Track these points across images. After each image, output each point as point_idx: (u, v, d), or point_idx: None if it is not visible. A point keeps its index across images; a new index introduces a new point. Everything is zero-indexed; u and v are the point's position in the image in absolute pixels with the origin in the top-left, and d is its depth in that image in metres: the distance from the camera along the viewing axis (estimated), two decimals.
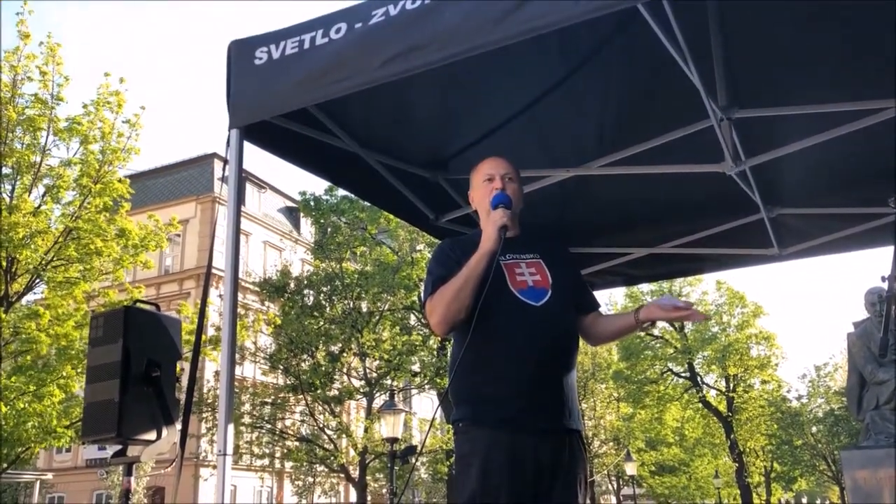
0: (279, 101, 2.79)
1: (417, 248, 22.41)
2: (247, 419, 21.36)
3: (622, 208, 4.43)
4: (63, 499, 32.29)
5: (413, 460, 19.82)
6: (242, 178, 2.88)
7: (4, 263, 12.88)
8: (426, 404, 34.26)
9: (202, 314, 2.69)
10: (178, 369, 2.90)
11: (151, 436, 2.70)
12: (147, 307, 2.91)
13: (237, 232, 2.82)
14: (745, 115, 3.47)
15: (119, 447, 2.76)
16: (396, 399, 15.61)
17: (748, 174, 3.88)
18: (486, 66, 3.23)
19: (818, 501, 69.26)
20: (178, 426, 2.68)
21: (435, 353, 21.41)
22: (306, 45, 2.75)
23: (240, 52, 2.91)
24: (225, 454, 2.55)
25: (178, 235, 32.03)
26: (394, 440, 12.70)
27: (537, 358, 2.50)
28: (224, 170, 2.84)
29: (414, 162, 3.83)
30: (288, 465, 25.49)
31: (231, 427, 2.62)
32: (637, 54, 3.25)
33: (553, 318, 2.56)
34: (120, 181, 13.15)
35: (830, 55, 3.30)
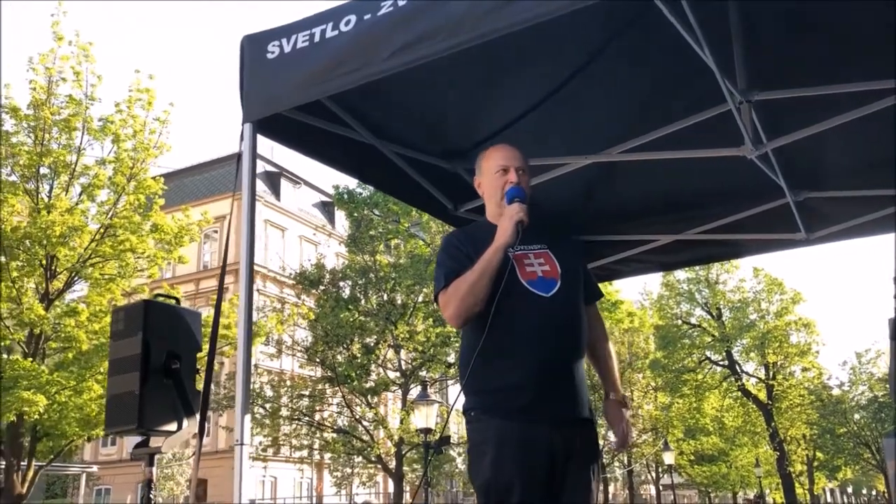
0: (292, 95, 2.82)
1: None
2: (285, 412, 21.62)
3: (645, 195, 4.39)
4: (109, 490, 33.04)
5: (444, 450, 19.89)
6: (256, 171, 2.90)
7: (44, 261, 13.17)
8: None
9: (218, 308, 2.73)
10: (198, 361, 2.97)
11: (172, 426, 2.75)
12: (167, 300, 2.97)
13: (252, 225, 2.86)
14: (765, 98, 3.42)
15: (141, 438, 2.83)
16: (431, 390, 15.65)
17: (771, 157, 3.81)
18: (503, 56, 3.22)
19: (864, 490, 68.03)
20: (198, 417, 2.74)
21: None
22: (317, 38, 2.77)
23: (252, 47, 2.94)
24: (241, 444, 2.58)
25: (216, 231, 32.44)
26: (427, 430, 12.75)
27: (548, 348, 2.51)
28: (238, 161, 2.87)
29: (432, 152, 3.83)
30: (326, 456, 25.78)
31: (248, 417, 2.66)
32: (654, 39, 3.20)
33: (563, 309, 2.58)
34: (154, 179, 13.37)
35: (853, 32, 3.23)
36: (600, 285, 3.26)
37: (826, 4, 3.06)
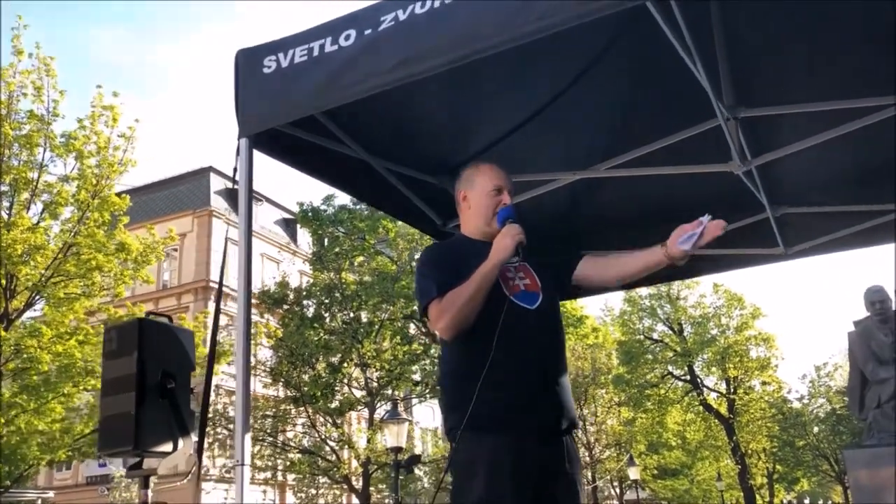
0: (290, 109, 2.80)
1: (417, 256, 22.40)
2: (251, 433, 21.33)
3: (630, 211, 4.43)
4: None
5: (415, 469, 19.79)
6: (252, 187, 2.87)
7: (4, 281, 12.84)
8: (426, 413, 34.19)
9: (215, 326, 2.68)
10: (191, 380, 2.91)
11: (168, 447, 2.69)
12: (160, 319, 2.91)
13: (249, 241, 2.82)
14: (750, 115, 3.49)
15: (135, 460, 2.76)
16: (399, 408, 15.56)
17: (754, 173, 3.89)
18: (493, 73, 3.24)
19: (820, 502, 69.20)
20: (194, 437, 2.67)
21: (437, 361, 21.38)
22: (315, 53, 2.76)
23: (247, 61, 2.92)
24: (242, 464, 2.54)
25: (176, 250, 31.99)
26: (398, 449, 12.66)
27: (538, 361, 2.54)
28: (234, 176, 2.84)
29: (421, 168, 3.84)
30: (290, 477, 25.42)
31: (248, 437, 2.62)
32: (643, 56, 3.26)
33: (548, 321, 2.62)
34: (119, 196, 13.14)
35: (834, 53, 3.32)
36: (569, 303, 3.28)
37: (807, 26, 3.15)
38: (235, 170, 2.84)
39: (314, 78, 2.72)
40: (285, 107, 2.81)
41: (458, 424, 2.47)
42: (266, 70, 2.85)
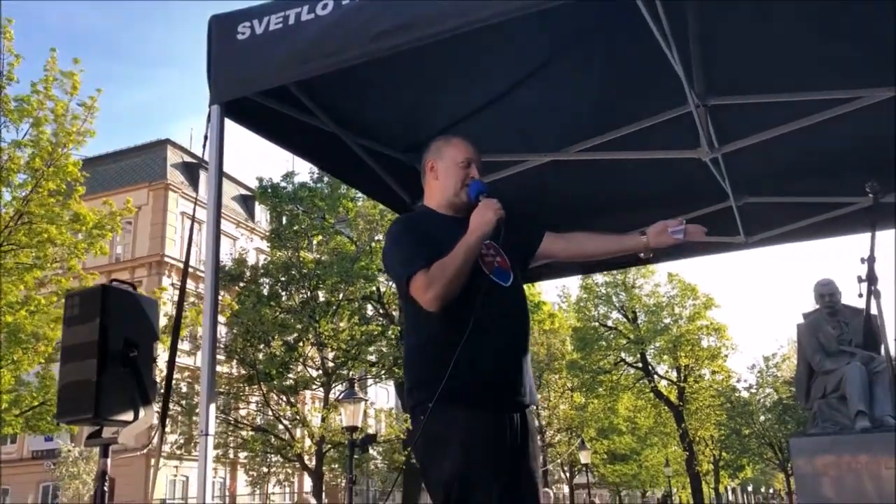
0: (264, 77, 2.76)
1: (376, 237, 22.30)
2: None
3: (597, 195, 4.47)
4: (7, 491, 31.50)
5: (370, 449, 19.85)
6: (223, 154, 2.82)
7: None
8: (382, 394, 34.22)
9: (181, 298, 2.64)
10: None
11: (128, 416, 2.64)
12: (124, 286, 2.85)
13: (218, 211, 2.78)
14: (720, 102, 3.54)
15: (95, 428, 2.70)
16: (355, 388, 15.54)
17: (720, 161, 3.95)
18: (466, 50, 3.22)
19: (762, 488, 71.11)
20: (156, 407, 2.64)
21: (394, 342, 21.37)
22: (291, 21, 2.71)
23: (221, 28, 2.86)
24: (207, 434, 2.52)
25: (130, 223, 31.36)
26: (353, 429, 12.65)
27: (512, 336, 2.58)
28: (204, 144, 2.79)
29: (392, 145, 3.82)
30: (242, 455, 25.26)
31: (213, 407, 2.59)
32: (617, 40, 3.27)
33: (519, 298, 2.67)
34: (74, 164, 12.77)
35: (803, 45, 3.37)
36: (527, 288, 3.27)
37: (776, 17, 3.19)
38: (206, 137, 2.79)
39: (289, 47, 2.68)
40: (258, 75, 2.77)
41: (429, 398, 2.44)
42: (240, 37, 2.80)
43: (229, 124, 2.86)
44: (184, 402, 21.08)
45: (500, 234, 2.51)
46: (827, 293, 7.13)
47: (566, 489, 42.94)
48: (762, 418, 40.16)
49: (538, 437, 2.70)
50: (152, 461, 26.14)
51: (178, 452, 23.64)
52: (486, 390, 2.48)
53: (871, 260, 2.90)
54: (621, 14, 2.82)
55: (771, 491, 68.47)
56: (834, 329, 7.12)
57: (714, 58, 3.35)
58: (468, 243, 2.46)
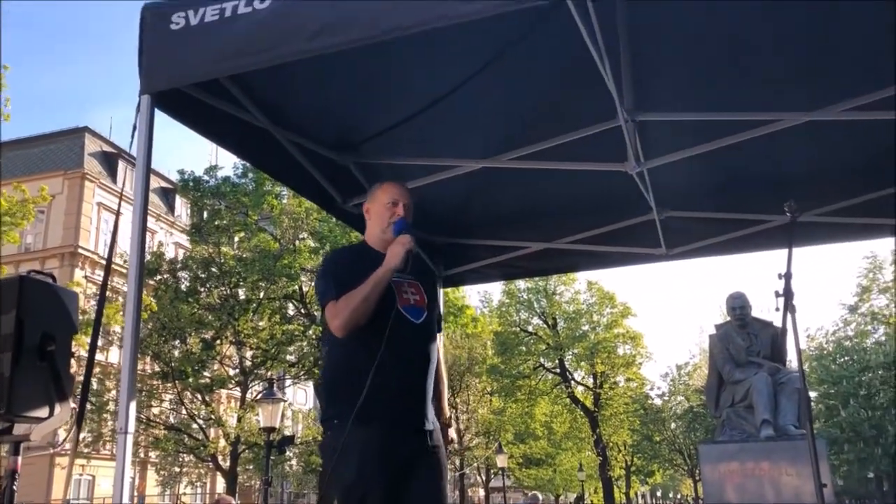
0: (198, 69, 2.70)
1: (301, 236, 22.04)
2: (112, 406, 20.35)
3: (526, 203, 4.55)
4: None
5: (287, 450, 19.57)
6: (152, 145, 2.75)
7: None
8: (300, 395, 33.80)
9: (103, 292, 2.56)
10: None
11: (43, 413, 2.53)
12: (43, 278, 2.73)
13: (145, 202, 2.71)
14: (648, 119, 3.64)
15: (6, 425, 2.58)
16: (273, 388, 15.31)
17: (645, 175, 4.06)
18: (404, 53, 3.23)
19: (671, 493, 73.20)
20: (72, 403, 2.55)
21: (315, 342, 21.13)
22: (227, 13, 2.66)
23: (154, 17, 2.78)
24: (126, 432, 2.46)
25: (42, 212, 30.13)
26: (271, 430, 12.47)
27: (413, 368, 2.86)
28: (133, 134, 2.72)
29: (325, 143, 3.79)
30: (153, 454, 24.58)
31: (133, 404, 2.53)
32: (553, 52, 3.33)
33: (428, 335, 2.97)
34: None
35: (729, 66, 3.51)
36: (451, 292, 3.60)
37: (706, 37, 3.31)
38: (135, 127, 2.72)
39: (224, 40, 2.63)
40: (192, 67, 2.71)
41: (336, 414, 2.76)
42: (174, 27, 2.73)
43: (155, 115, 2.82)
44: (93, 399, 20.36)
45: (407, 266, 2.79)
46: (738, 306, 7.43)
47: (482, 492, 43.25)
48: (673, 425, 41.34)
49: (446, 474, 2.91)
50: (57, 459, 25.19)
51: (87, 451, 22.85)
52: (386, 412, 2.74)
53: (787, 276, 3.06)
54: (559, 29, 2.88)
55: (679, 496, 70.53)
56: (743, 341, 7.41)
57: (644, 75, 3.45)
58: (377, 276, 2.74)
